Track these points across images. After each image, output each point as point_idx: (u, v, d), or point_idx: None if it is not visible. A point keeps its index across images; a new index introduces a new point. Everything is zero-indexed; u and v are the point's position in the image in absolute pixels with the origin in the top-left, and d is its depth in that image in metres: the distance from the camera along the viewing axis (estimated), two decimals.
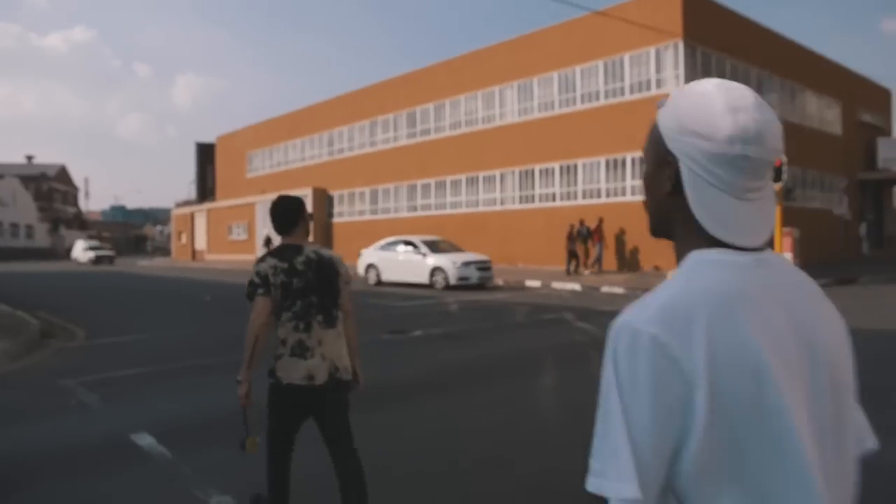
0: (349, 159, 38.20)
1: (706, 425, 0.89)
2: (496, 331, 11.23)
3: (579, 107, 26.13)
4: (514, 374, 7.71)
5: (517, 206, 28.52)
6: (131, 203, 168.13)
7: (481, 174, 30.11)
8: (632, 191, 24.31)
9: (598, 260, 23.59)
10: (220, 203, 51.14)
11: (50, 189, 79.13)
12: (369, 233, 33.64)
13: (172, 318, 14.12)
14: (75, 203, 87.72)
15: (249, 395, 3.27)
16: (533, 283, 20.95)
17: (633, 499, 0.89)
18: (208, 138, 72.88)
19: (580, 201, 26.01)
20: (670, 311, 0.94)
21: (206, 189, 68.10)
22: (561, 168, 26.78)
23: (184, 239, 56.82)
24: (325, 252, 3.44)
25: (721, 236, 1.00)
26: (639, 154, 23.96)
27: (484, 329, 11.38)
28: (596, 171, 25.58)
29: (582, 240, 23.26)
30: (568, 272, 22.78)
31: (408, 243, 21.64)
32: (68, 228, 73.11)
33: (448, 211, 31.78)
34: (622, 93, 24.69)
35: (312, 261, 3.32)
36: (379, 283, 21.95)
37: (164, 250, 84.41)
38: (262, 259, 3.31)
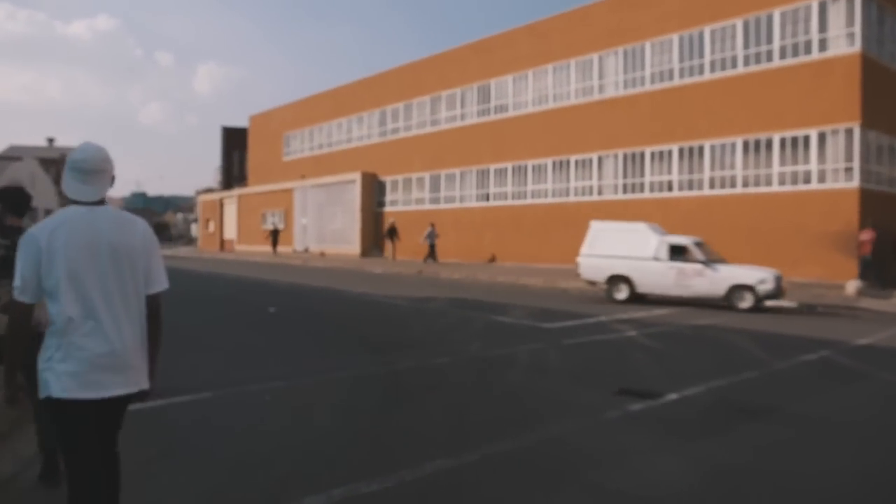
0: (405, 140, 33.77)
1: (43, 266, 2.61)
2: (843, 401, 6.81)
3: (708, 76, 21.57)
4: None
5: (620, 195, 24.00)
6: (152, 190, 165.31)
7: (573, 157, 25.59)
8: (780, 179, 19.77)
9: None
10: (253, 189, 46.87)
11: None
12: (428, 223, 29.28)
13: (245, 348, 9.88)
14: None
15: None
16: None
17: (17, 286, 2.64)
18: (232, 124, 68.86)
19: (706, 191, 21.50)
20: (43, 225, 2.65)
21: (231, 176, 63.99)
22: (681, 150, 22.23)
23: (212, 227, 52.57)
24: None
25: (72, 197, 2.70)
26: (788, 133, 19.41)
27: (824, 399, 6.96)
28: (729, 155, 21.04)
29: None
30: None
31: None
32: None
33: (529, 200, 27.29)
34: (768, 58, 20.10)
35: None
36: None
37: (187, 238, 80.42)
38: None
